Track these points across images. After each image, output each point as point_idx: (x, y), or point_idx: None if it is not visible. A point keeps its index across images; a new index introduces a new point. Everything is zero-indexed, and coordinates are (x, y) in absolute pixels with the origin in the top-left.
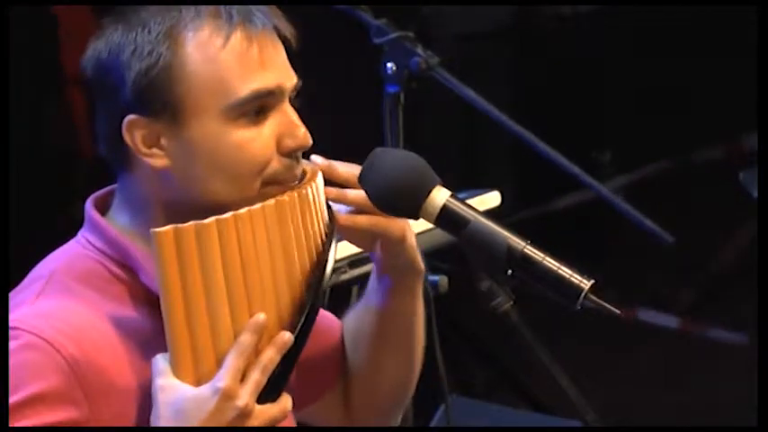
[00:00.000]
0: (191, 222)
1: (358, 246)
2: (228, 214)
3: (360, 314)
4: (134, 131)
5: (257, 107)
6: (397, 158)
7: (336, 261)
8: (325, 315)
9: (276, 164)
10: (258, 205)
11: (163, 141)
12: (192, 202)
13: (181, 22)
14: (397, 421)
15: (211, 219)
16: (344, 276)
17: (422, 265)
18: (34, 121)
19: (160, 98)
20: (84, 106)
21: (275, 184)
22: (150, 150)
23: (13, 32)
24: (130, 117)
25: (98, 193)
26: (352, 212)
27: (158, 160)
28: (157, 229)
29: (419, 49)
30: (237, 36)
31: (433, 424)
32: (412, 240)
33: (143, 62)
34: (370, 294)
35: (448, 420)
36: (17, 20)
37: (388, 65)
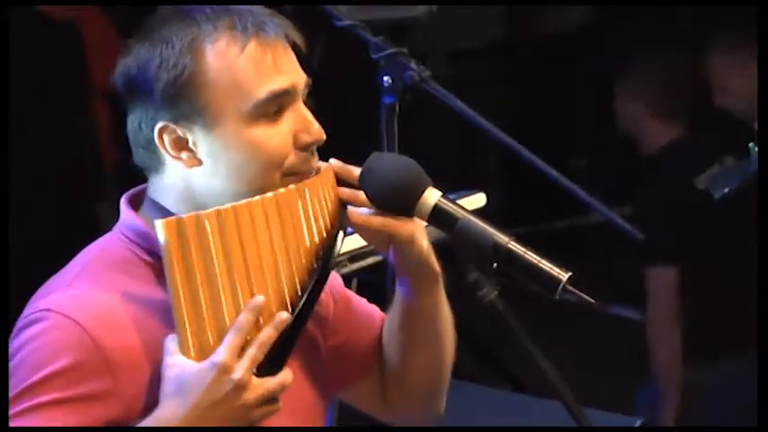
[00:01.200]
0: (191, 213)
1: (373, 245)
2: (227, 205)
3: (393, 310)
4: (165, 136)
5: (275, 107)
6: (392, 161)
7: (338, 255)
8: (368, 306)
9: (293, 157)
10: (257, 197)
11: (191, 144)
12: (218, 196)
13: (200, 35)
14: (435, 410)
15: (211, 209)
16: (344, 270)
17: (437, 268)
18: (63, 130)
19: (187, 105)
20: (108, 117)
21: (293, 176)
22: (180, 153)
23: (41, 49)
24: (161, 124)
25: (131, 192)
26: (364, 214)
27: (188, 161)
28: (160, 220)
29: (412, 64)
30: (252, 45)
31: None
32: (421, 243)
33: (169, 73)
34: (397, 293)
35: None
36: (43, 36)
37: (385, 78)
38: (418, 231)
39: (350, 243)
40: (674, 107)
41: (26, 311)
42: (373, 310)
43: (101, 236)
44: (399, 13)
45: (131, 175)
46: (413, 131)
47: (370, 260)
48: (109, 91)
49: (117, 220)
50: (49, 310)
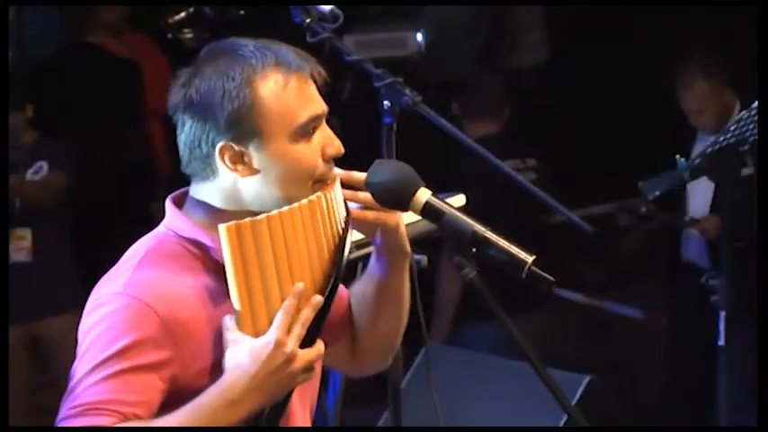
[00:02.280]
0: (247, 219)
1: (364, 234)
2: (274, 212)
3: (363, 284)
4: (224, 153)
5: (311, 128)
6: (392, 166)
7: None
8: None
9: (321, 167)
10: (296, 204)
11: (246, 159)
12: (264, 200)
13: (254, 72)
14: (389, 362)
15: (262, 216)
16: (353, 255)
17: (408, 248)
18: (124, 144)
19: (244, 129)
20: (162, 134)
21: (320, 182)
22: (236, 166)
23: (109, 79)
24: (222, 143)
25: (174, 194)
26: (361, 208)
27: (242, 172)
28: (224, 225)
29: (407, 91)
30: (293, 80)
31: (415, 364)
32: (403, 230)
33: (233, 104)
34: (371, 270)
35: (427, 361)
36: (110, 69)
37: (385, 102)
38: (402, 222)
39: (356, 235)
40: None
41: (96, 294)
42: (341, 289)
43: (152, 229)
44: (395, 52)
45: (180, 180)
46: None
47: (370, 249)
48: (162, 113)
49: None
50: (119, 293)
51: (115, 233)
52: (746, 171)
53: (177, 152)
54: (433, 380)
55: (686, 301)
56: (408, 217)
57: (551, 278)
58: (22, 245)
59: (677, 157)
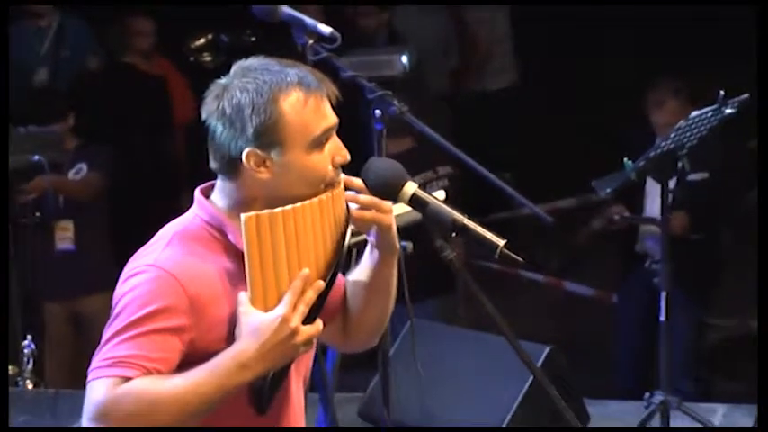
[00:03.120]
0: (266, 211)
1: (361, 230)
2: (288, 207)
3: (358, 274)
4: (250, 158)
5: (324, 139)
6: (383, 163)
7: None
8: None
9: (331, 173)
10: (307, 202)
11: (268, 163)
12: (278, 198)
13: (279, 90)
14: (375, 342)
15: (279, 209)
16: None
17: (398, 246)
18: (155, 148)
19: (269, 138)
20: (183, 140)
21: (330, 186)
22: (259, 168)
23: (142, 93)
24: (248, 149)
25: (203, 186)
26: (360, 209)
27: (263, 175)
28: (245, 215)
29: (395, 102)
30: (312, 98)
31: (401, 335)
32: (394, 230)
33: (260, 117)
34: (364, 262)
35: (412, 335)
36: (143, 85)
37: (376, 111)
38: (394, 222)
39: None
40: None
41: (131, 266)
42: (338, 277)
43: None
44: (385, 72)
45: (199, 178)
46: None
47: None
48: (184, 123)
49: (190, 206)
50: (151, 265)
51: (144, 223)
52: (695, 176)
53: (195, 154)
54: (416, 348)
55: (638, 284)
56: (397, 209)
57: (520, 258)
58: (65, 235)
59: (625, 159)
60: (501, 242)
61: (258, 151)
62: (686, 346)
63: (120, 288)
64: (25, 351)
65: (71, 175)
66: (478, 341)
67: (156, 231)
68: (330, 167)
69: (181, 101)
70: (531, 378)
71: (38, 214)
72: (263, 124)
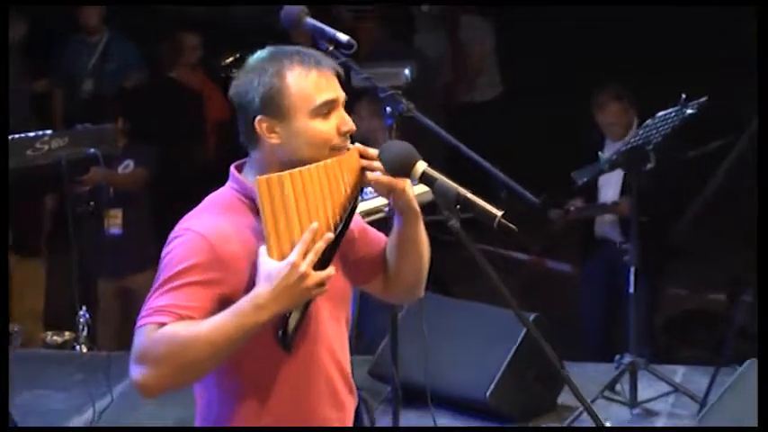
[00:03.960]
0: (275, 174)
1: (380, 193)
2: (296, 169)
3: (391, 237)
4: (262, 125)
5: (325, 109)
6: (398, 145)
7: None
8: (378, 234)
9: (336, 140)
10: (313, 165)
11: (277, 129)
12: (290, 161)
13: (283, 66)
14: (417, 296)
15: (287, 172)
16: (369, 219)
17: (417, 209)
18: (192, 151)
19: (276, 106)
20: (213, 144)
21: (336, 151)
22: (270, 135)
23: (181, 102)
24: (259, 117)
25: (236, 163)
26: (376, 175)
27: (274, 140)
28: (258, 177)
29: (404, 100)
30: (313, 72)
31: (405, 307)
32: (409, 193)
33: (265, 88)
34: (393, 227)
35: (423, 303)
36: (183, 96)
37: (387, 108)
38: (408, 187)
39: (365, 205)
40: None
41: (174, 231)
42: (381, 236)
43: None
44: (392, 82)
45: (225, 172)
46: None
47: (375, 216)
48: (216, 128)
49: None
50: (188, 229)
51: (180, 210)
52: (649, 165)
53: (222, 153)
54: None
55: (598, 264)
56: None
57: (515, 227)
58: (115, 221)
59: (599, 153)
60: (499, 213)
61: (267, 118)
62: (644, 316)
63: (164, 250)
64: (81, 320)
65: (120, 169)
66: (472, 310)
67: (164, 258)
68: (335, 135)
69: (213, 109)
70: (518, 343)
71: (92, 203)
72: (268, 94)
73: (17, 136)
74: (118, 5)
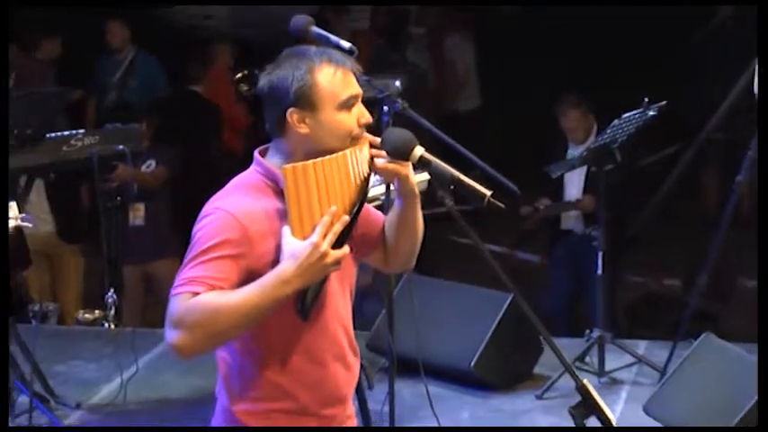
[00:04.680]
0: (301, 162)
1: (386, 179)
2: (319, 159)
3: (391, 215)
4: (293, 116)
5: (350, 103)
6: (398, 132)
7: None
8: (378, 214)
9: (357, 130)
10: (333, 155)
11: (307, 120)
12: (314, 149)
13: (313, 65)
14: (410, 267)
15: (310, 161)
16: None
17: (417, 192)
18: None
19: (306, 100)
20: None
21: (355, 140)
22: (300, 125)
23: (199, 111)
24: (291, 109)
25: (260, 149)
26: (383, 162)
27: (303, 130)
28: (286, 165)
29: (399, 100)
30: (339, 70)
31: (401, 283)
32: (412, 179)
33: (298, 83)
34: (394, 206)
35: (411, 284)
36: (200, 106)
37: (384, 107)
38: (410, 174)
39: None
40: None
41: (205, 209)
42: (380, 216)
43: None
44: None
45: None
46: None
47: (373, 204)
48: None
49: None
50: (218, 208)
51: (197, 206)
52: (610, 166)
53: (235, 156)
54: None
55: (561, 254)
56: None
57: (503, 205)
58: (138, 214)
59: (570, 151)
60: (488, 192)
61: (298, 110)
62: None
63: (195, 226)
64: (109, 301)
65: (143, 168)
66: (458, 291)
67: (195, 234)
68: (356, 126)
69: (230, 118)
70: (498, 319)
71: (118, 198)
72: (301, 89)
73: (54, 134)
74: (141, 25)
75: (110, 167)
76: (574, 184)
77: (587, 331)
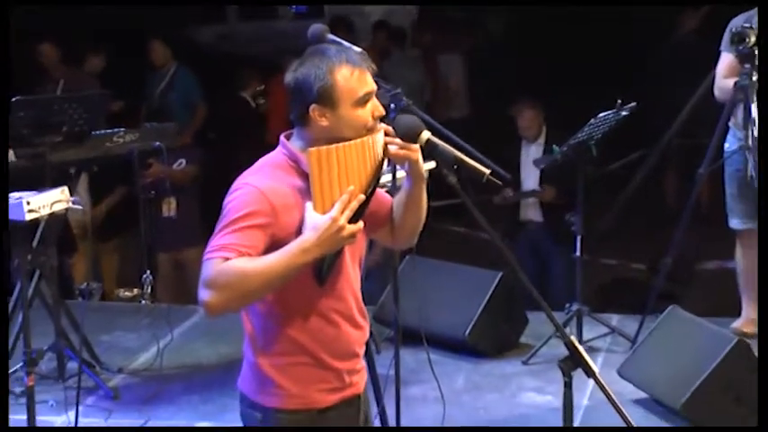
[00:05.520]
0: (324, 146)
1: (399, 163)
2: (340, 144)
3: (399, 195)
4: (315, 112)
5: (365, 99)
6: (407, 117)
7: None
8: (385, 195)
9: (371, 123)
10: (352, 142)
11: (327, 115)
12: (334, 138)
13: (333, 65)
14: (414, 242)
15: (333, 146)
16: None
17: (425, 175)
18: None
19: (327, 97)
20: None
21: (370, 131)
22: (321, 119)
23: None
24: (313, 106)
25: (285, 133)
26: (396, 148)
27: (324, 123)
28: (311, 149)
29: (404, 97)
30: (357, 71)
31: (404, 262)
32: (421, 163)
33: (320, 83)
34: (403, 186)
35: (414, 266)
36: (242, 106)
37: (391, 105)
38: (419, 158)
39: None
40: None
41: (235, 184)
42: (388, 197)
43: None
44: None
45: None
46: None
47: (385, 189)
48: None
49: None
50: (247, 183)
51: (221, 200)
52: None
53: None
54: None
55: (524, 242)
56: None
57: (500, 182)
58: (170, 207)
59: (554, 146)
60: (487, 171)
61: (320, 107)
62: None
63: (226, 199)
64: (146, 281)
65: (174, 166)
66: (455, 269)
67: (227, 206)
68: (370, 119)
69: (274, 124)
70: (490, 294)
71: (153, 192)
72: (323, 87)
73: (99, 132)
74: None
75: (145, 165)
76: (530, 177)
77: (567, 305)
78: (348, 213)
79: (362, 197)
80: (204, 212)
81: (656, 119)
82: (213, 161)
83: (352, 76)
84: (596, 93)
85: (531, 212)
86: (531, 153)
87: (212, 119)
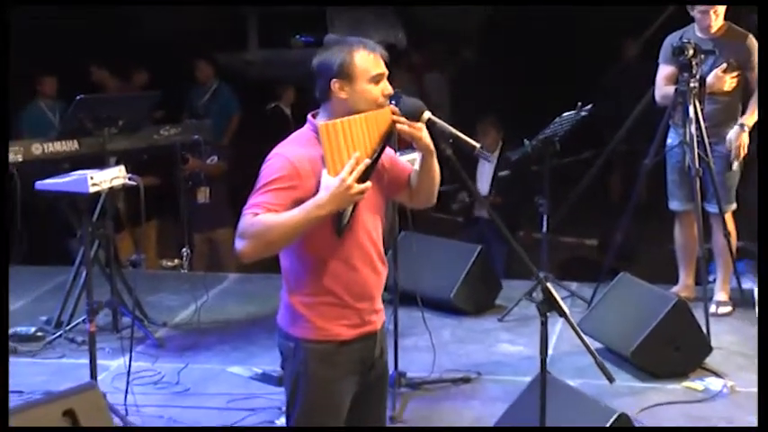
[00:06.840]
0: (334, 120)
1: (407, 139)
2: (346, 118)
3: (416, 165)
4: (335, 85)
5: (378, 79)
6: (411, 99)
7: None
8: (405, 163)
9: (382, 99)
10: (363, 114)
11: (346, 88)
12: (350, 111)
13: (352, 49)
14: (431, 203)
15: (339, 120)
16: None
17: (433, 149)
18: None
19: (346, 74)
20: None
21: (380, 107)
22: (340, 92)
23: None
24: (335, 80)
25: (312, 112)
26: (401, 126)
27: (343, 95)
28: (321, 123)
29: (404, 95)
30: (372, 55)
31: (400, 237)
32: (427, 139)
33: (341, 60)
34: (417, 160)
35: (412, 246)
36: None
37: (392, 102)
38: (425, 134)
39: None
40: None
41: (270, 154)
42: (408, 165)
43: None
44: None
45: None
46: None
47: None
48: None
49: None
50: (279, 153)
51: (249, 189)
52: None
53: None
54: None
55: (474, 233)
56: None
57: (490, 154)
58: (204, 194)
59: (524, 140)
60: (478, 145)
61: (339, 81)
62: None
63: (263, 166)
64: (184, 253)
65: (207, 161)
66: (443, 243)
67: (262, 172)
68: (381, 96)
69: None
70: (471, 261)
71: (189, 182)
72: (342, 65)
73: (147, 126)
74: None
75: (183, 159)
76: (484, 179)
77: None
78: (355, 175)
79: (368, 161)
80: (232, 199)
81: (604, 127)
82: (241, 158)
83: (369, 57)
84: (553, 111)
85: (482, 211)
86: (486, 167)
87: (248, 126)
